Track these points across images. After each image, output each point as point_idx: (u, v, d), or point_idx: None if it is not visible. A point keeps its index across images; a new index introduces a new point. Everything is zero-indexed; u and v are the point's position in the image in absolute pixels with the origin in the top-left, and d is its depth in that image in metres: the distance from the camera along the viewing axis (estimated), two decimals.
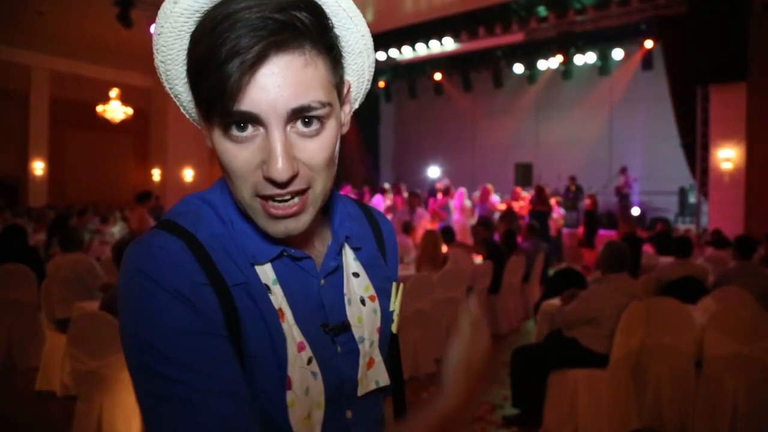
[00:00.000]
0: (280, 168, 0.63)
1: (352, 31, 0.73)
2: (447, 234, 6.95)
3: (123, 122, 12.88)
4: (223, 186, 0.77)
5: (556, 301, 4.07)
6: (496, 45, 13.63)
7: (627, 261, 3.56)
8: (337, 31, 0.71)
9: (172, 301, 0.64)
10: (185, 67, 0.71)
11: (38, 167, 15.03)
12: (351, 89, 0.80)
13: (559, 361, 3.53)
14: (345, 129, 0.76)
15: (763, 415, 3.33)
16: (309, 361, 0.72)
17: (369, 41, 0.76)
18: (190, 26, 0.67)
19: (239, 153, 0.65)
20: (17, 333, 4.71)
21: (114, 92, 12.51)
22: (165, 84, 0.76)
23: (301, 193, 0.67)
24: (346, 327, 0.78)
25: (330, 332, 0.76)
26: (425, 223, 9.68)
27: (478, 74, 15.92)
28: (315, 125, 0.66)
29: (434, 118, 17.47)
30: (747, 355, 3.35)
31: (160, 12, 0.68)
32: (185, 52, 0.69)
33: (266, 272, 0.73)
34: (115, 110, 12.50)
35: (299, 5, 0.63)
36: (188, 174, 17.22)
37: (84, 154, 15.90)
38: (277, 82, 0.62)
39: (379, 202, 11.72)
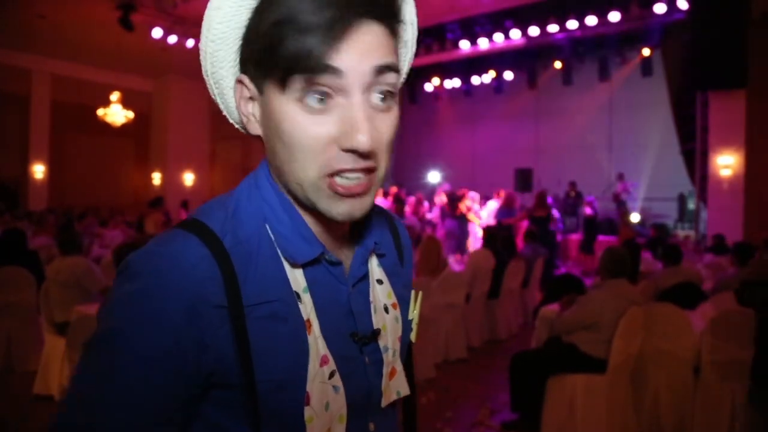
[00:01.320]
0: (365, 135, 0.61)
1: (407, 20, 0.73)
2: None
3: (124, 126, 12.90)
4: (262, 176, 0.73)
5: (555, 307, 4.08)
6: (496, 50, 13.65)
7: (626, 266, 3.57)
8: (407, 20, 0.72)
9: (167, 330, 0.60)
10: (236, 48, 0.69)
11: (39, 170, 15.04)
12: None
13: (558, 367, 3.53)
14: None
15: (762, 421, 3.33)
16: (331, 376, 0.69)
17: (416, 32, 0.76)
18: (253, 1, 0.66)
19: (314, 125, 0.63)
20: (16, 336, 4.71)
21: (115, 96, 12.53)
22: (208, 68, 0.72)
23: (371, 171, 0.65)
24: (375, 335, 0.75)
25: (359, 342, 0.73)
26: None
27: (478, 79, 15.94)
28: (389, 100, 0.66)
29: (435, 123, 17.50)
30: (745, 361, 3.36)
31: None
32: (240, 31, 0.68)
33: (297, 279, 0.70)
34: (116, 114, 12.52)
35: None
36: (188, 178, 17.23)
37: (85, 158, 15.91)
38: (363, 46, 0.62)
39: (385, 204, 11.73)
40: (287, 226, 0.70)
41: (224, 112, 0.78)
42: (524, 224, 9.32)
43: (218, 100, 0.76)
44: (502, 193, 10.55)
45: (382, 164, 0.67)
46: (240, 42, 0.69)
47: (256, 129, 0.70)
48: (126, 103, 12.70)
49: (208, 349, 0.63)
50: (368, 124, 0.62)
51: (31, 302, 4.69)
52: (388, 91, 0.65)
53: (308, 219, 0.72)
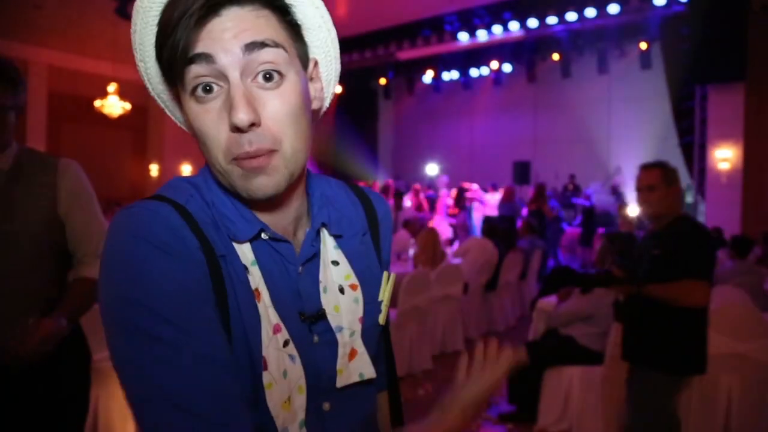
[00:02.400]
0: (241, 111, 0.64)
1: (306, 3, 0.74)
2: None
3: (121, 117, 12.85)
4: (205, 170, 0.77)
5: (552, 299, 4.09)
6: (494, 43, 13.62)
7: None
8: (290, 1, 0.72)
9: (165, 260, 0.63)
10: None
11: None
12: (319, 66, 0.80)
13: (554, 359, 3.54)
14: (320, 105, 0.79)
15: (758, 414, 3.35)
16: (285, 344, 0.71)
17: (325, 14, 0.77)
18: (158, 18, 0.69)
19: (207, 112, 0.67)
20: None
21: (112, 87, 12.47)
22: (147, 85, 0.78)
23: (269, 153, 0.68)
24: (321, 315, 0.76)
25: (306, 321, 0.75)
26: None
27: (476, 72, 15.91)
28: (275, 78, 0.68)
29: (433, 115, 17.46)
30: (742, 354, 3.37)
31: (134, 10, 0.71)
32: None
33: (245, 253, 0.72)
34: (113, 105, 12.47)
35: None
36: (186, 169, 17.20)
37: (81, 149, 15.84)
38: (229, 28, 0.65)
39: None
40: (230, 209, 0.73)
41: (178, 124, 0.84)
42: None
43: (168, 113, 0.82)
44: (501, 190, 10.63)
45: (286, 142, 0.69)
46: None
47: (191, 131, 0.73)
48: (123, 94, 12.64)
49: (205, 283, 0.66)
50: (244, 100, 0.65)
51: None
52: (274, 70, 0.67)
53: (246, 203, 0.75)
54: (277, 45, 0.67)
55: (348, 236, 0.84)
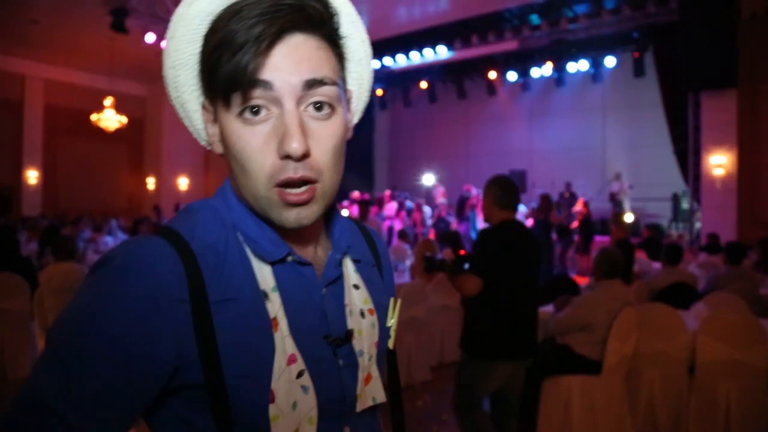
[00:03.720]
0: (295, 140, 0.64)
1: (354, 36, 0.75)
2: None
3: (117, 131, 12.87)
4: (227, 190, 0.76)
5: (549, 308, 4.09)
6: (489, 53, 13.70)
7: (620, 267, 3.57)
8: (341, 32, 0.73)
9: (129, 310, 0.62)
10: (195, 73, 0.73)
11: (32, 176, 14.98)
12: (352, 99, 0.81)
13: (552, 368, 3.54)
14: (348, 135, 0.77)
15: (756, 420, 3.35)
16: (299, 375, 0.69)
17: (369, 49, 0.78)
18: (203, 29, 0.70)
19: (254, 136, 0.66)
20: (9, 343, 4.67)
21: (108, 101, 12.50)
22: (171, 92, 0.76)
23: (312, 182, 0.68)
24: (348, 337, 0.76)
25: (332, 343, 0.74)
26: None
27: (471, 82, 16.00)
28: (326, 110, 0.69)
29: (428, 125, 17.52)
30: (739, 360, 3.37)
31: (174, 16, 0.70)
32: (197, 57, 0.71)
33: (266, 278, 0.71)
34: (110, 119, 12.49)
35: None
36: (183, 182, 17.20)
37: (78, 163, 15.87)
38: (292, 58, 0.66)
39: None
40: (256, 231, 0.73)
41: (194, 135, 0.82)
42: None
43: (186, 123, 0.80)
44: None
45: (326, 175, 0.69)
46: (198, 67, 0.73)
47: (219, 149, 0.73)
48: (120, 108, 12.68)
49: (168, 342, 0.64)
50: (300, 130, 0.65)
51: (24, 309, 4.66)
52: (327, 103, 0.68)
53: (273, 227, 0.74)
54: (333, 83, 0.69)
55: (364, 262, 0.86)
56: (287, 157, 0.65)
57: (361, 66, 0.79)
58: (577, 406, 3.42)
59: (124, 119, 12.68)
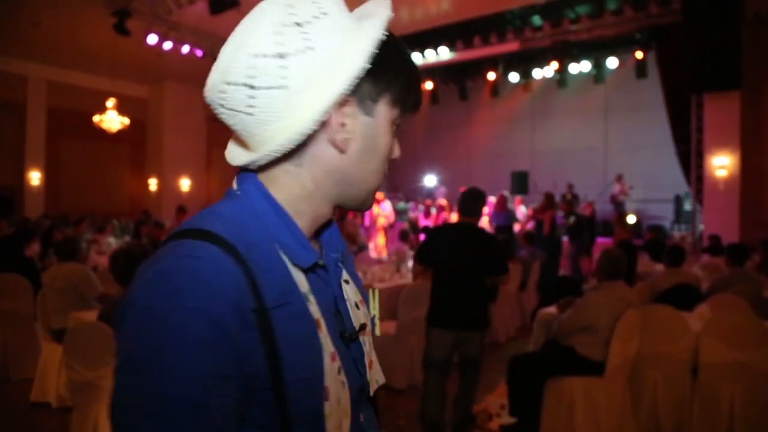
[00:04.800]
0: (397, 151, 0.85)
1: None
2: None
3: (119, 132, 12.89)
4: (262, 194, 0.76)
5: (552, 309, 4.08)
6: (491, 54, 13.70)
7: (622, 269, 3.57)
8: None
9: (206, 340, 0.60)
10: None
11: (35, 177, 15.00)
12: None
13: (555, 370, 3.53)
14: None
15: (760, 421, 3.34)
16: (339, 371, 0.74)
17: None
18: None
19: (391, 143, 0.82)
20: (12, 344, 4.69)
21: (111, 102, 12.51)
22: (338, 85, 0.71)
23: None
24: (362, 330, 0.82)
25: (347, 339, 0.79)
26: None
27: (473, 83, 16.00)
28: None
29: (430, 126, 17.53)
30: (743, 362, 3.36)
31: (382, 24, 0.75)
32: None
33: (302, 281, 0.74)
34: (112, 120, 12.50)
35: None
36: (185, 183, 17.22)
37: (80, 164, 15.89)
38: None
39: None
40: (290, 238, 0.74)
41: (279, 108, 0.72)
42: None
43: (310, 100, 0.73)
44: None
45: None
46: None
47: (341, 141, 0.75)
48: (122, 109, 12.69)
49: (248, 353, 0.64)
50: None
51: (27, 309, 4.67)
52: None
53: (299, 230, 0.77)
54: None
55: (347, 259, 0.91)
56: (390, 161, 0.83)
57: None
58: (580, 408, 3.42)
59: (126, 120, 12.69)
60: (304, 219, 0.77)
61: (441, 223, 3.74)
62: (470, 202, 3.70)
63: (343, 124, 0.74)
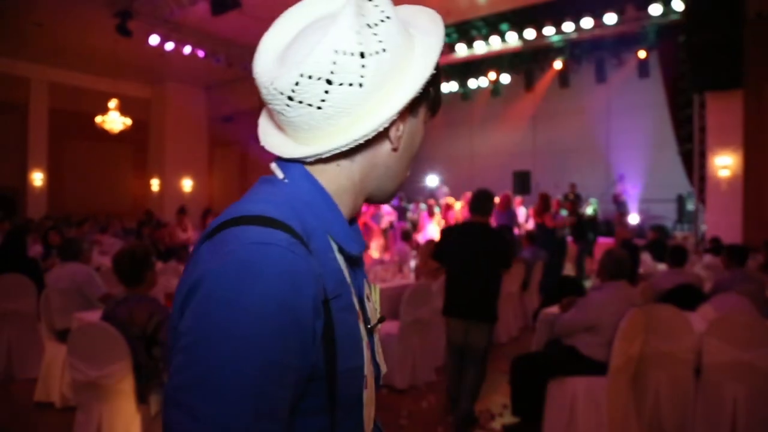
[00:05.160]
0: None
1: None
2: None
3: (122, 133, 12.90)
4: (315, 188, 0.77)
5: (555, 309, 4.08)
6: (493, 54, 13.68)
7: (625, 268, 3.57)
8: None
9: (283, 329, 0.61)
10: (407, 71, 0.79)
11: (37, 178, 15.03)
12: None
13: (558, 369, 3.53)
14: None
15: (763, 422, 3.33)
16: (371, 361, 0.78)
17: None
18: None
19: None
20: (16, 344, 4.70)
21: (113, 103, 12.52)
22: (410, 89, 0.76)
23: None
24: (382, 321, 0.87)
25: (370, 330, 0.82)
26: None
27: (475, 83, 15.99)
28: None
29: (432, 126, 17.48)
30: (746, 362, 3.36)
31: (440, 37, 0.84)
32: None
33: (347, 272, 0.78)
34: (114, 121, 12.51)
35: None
36: (187, 184, 17.23)
37: (83, 165, 15.91)
38: None
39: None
40: (342, 229, 0.78)
41: (358, 115, 0.75)
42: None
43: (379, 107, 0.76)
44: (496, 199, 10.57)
45: None
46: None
47: (395, 142, 0.81)
48: (124, 110, 12.70)
49: (314, 342, 0.66)
50: None
51: (31, 310, 4.68)
52: None
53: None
54: None
55: None
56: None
57: None
58: (582, 408, 3.42)
59: (128, 121, 12.70)
60: (345, 211, 0.80)
61: (453, 223, 4.14)
62: (481, 201, 4.00)
63: (401, 124, 0.80)
